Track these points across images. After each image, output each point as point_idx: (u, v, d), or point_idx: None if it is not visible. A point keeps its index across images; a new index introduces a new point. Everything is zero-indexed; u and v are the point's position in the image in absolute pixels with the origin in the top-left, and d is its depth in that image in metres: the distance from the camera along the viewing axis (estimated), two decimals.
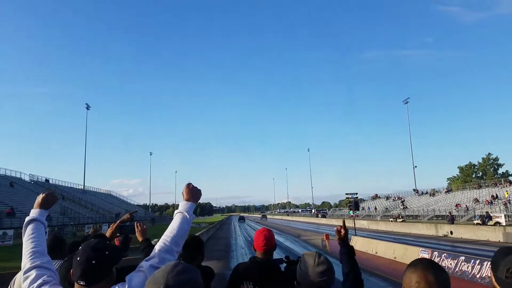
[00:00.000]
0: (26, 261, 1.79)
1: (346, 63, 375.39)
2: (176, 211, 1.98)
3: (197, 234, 5.76)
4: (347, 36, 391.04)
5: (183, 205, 1.99)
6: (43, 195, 2.19)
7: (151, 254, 1.76)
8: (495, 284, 1.50)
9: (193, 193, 2.04)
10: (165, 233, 1.87)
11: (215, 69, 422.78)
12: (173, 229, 1.86)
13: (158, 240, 3.20)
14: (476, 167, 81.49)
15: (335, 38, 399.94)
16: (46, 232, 2.11)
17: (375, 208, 67.78)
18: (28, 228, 2.00)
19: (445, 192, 59.71)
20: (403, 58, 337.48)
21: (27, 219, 2.04)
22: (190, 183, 2.08)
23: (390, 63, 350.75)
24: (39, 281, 1.65)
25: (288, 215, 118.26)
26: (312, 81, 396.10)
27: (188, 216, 1.93)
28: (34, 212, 2.09)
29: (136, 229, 2.88)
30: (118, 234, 2.99)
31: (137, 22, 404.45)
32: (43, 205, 2.14)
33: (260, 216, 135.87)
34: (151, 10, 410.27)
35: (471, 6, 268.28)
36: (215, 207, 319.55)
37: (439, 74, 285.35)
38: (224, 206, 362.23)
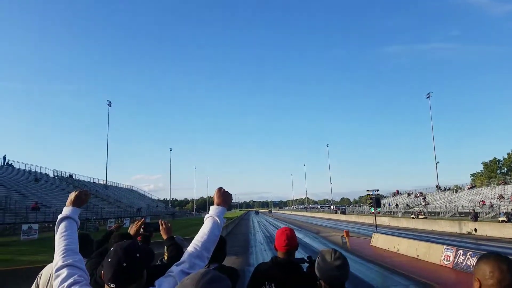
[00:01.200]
0: (58, 259, 1.76)
1: (368, 58, 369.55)
2: (206, 215, 1.94)
3: None
4: (370, 30, 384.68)
5: (214, 209, 1.95)
6: (76, 193, 2.16)
7: (182, 259, 1.72)
8: None
9: (224, 197, 2.01)
10: (196, 237, 1.83)
11: (234, 65, 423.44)
12: (204, 234, 1.83)
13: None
14: (501, 162, 79.27)
15: (357, 32, 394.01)
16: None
17: (396, 205, 66.72)
18: (61, 225, 1.97)
19: (469, 188, 58.30)
20: (426, 52, 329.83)
21: (59, 216, 2.01)
22: (221, 187, 2.04)
23: (413, 57, 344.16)
24: (70, 281, 1.63)
25: (306, 211, 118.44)
26: (332, 76, 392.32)
27: (219, 221, 1.90)
28: (66, 210, 2.05)
29: (160, 227, 2.85)
30: (142, 232, 2.97)
31: (156, 20, 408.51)
32: (76, 203, 2.11)
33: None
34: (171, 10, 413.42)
35: None
36: (234, 202, 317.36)
37: (464, 69, 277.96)
38: (243, 202, 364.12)
